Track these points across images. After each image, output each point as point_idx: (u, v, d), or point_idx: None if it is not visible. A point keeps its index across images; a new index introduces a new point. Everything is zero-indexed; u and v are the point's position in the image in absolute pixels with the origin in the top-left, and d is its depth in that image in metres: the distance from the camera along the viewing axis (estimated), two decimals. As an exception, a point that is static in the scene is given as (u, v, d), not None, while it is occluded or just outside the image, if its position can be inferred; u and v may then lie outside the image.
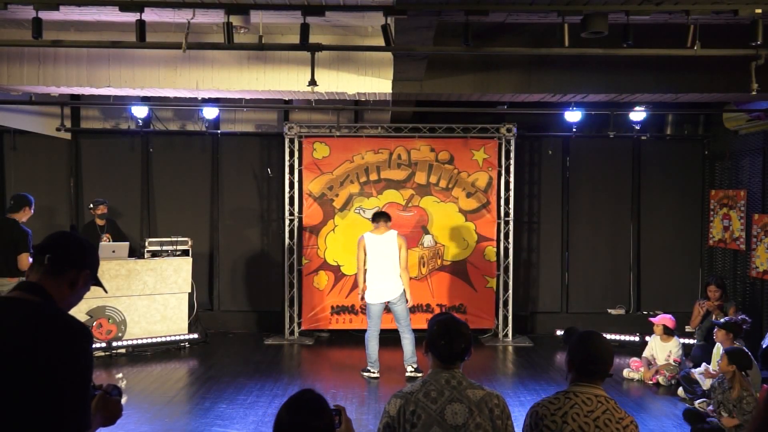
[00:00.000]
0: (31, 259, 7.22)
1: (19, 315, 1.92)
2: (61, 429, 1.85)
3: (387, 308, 7.41)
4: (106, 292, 2.42)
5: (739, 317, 6.73)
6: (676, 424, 6.03)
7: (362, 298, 7.44)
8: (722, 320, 6.77)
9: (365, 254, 7.36)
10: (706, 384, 6.46)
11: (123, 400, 2.22)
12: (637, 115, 9.17)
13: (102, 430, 2.17)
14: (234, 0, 5.15)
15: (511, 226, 9.40)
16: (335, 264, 9.30)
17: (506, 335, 9.39)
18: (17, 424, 1.80)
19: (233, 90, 7.11)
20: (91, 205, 8.88)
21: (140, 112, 9.14)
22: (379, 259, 7.29)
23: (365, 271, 7.40)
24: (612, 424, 2.71)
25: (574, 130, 9.33)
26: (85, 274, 2.15)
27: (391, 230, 7.42)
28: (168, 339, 8.60)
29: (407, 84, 7.06)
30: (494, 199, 9.35)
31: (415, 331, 7.45)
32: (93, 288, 2.26)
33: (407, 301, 7.37)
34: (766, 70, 5.55)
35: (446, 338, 2.78)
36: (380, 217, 7.44)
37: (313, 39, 5.59)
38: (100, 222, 8.85)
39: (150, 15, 5.40)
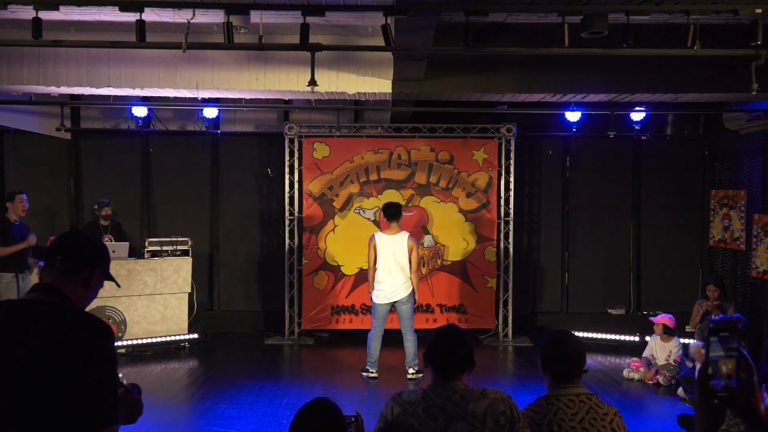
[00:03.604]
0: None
1: (41, 316, 1.97)
2: (92, 422, 1.91)
3: (392, 309, 7.40)
4: (119, 286, 2.46)
5: (733, 316, 6.71)
6: (676, 424, 6.03)
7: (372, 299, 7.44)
8: (715, 318, 6.75)
9: (375, 254, 7.35)
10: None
11: None
12: (637, 115, 9.16)
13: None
14: (234, 0, 5.15)
15: (511, 226, 9.40)
16: (335, 264, 9.30)
17: (506, 335, 9.39)
18: (50, 421, 1.87)
19: (233, 90, 7.11)
20: (96, 206, 8.87)
21: (140, 112, 9.14)
22: (388, 259, 7.26)
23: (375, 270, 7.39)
24: (597, 423, 2.69)
25: (574, 130, 9.33)
26: (97, 272, 2.20)
27: (403, 231, 7.40)
28: (168, 339, 8.60)
29: (407, 84, 7.06)
30: (494, 199, 9.34)
31: (415, 331, 7.45)
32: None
33: (414, 302, 7.38)
34: (766, 70, 5.55)
35: (443, 346, 2.67)
36: (394, 217, 7.35)
37: (313, 39, 5.59)
38: (103, 222, 8.84)
39: (150, 15, 5.41)
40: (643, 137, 9.77)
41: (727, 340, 1.45)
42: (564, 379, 2.76)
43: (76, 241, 2.23)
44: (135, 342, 8.38)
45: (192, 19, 5.38)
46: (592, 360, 8.18)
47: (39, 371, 1.87)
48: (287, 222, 9.39)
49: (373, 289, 7.38)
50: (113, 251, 8.32)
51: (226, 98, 8.27)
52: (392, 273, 7.25)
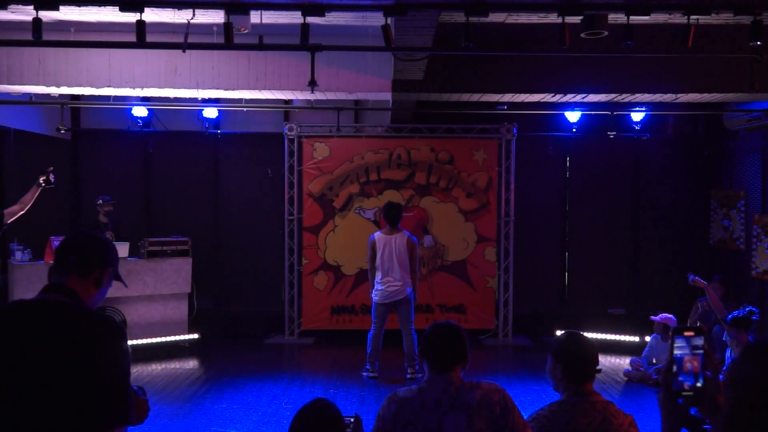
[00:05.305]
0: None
1: (55, 317, 1.99)
2: (105, 422, 1.93)
3: (392, 309, 7.41)
4: (126, 286, 2.47)
5: (746, 309, 6.54)
6: (676, 424, 6.03)
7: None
8: (729, 317, 6.61)
9: (375, 254, 7.35)
10: None
11: None
12: (637, 115, 9.16)
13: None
14: (234, 0, 5.15)
15: (511, 226, 9.40)
16: (335, 264, 9.30)
17: (506, 335, 9.39)
18: (64, 421, 1.88)
19: (233, 90, 7.11)
20: (100, 201, 8.84)
21: (140, 112, 9.13)
22: (388, 259, 7.28)
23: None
24: None
25: (574, 130, 9.32)
26: (109, 271, 2.22)
27: (403, 231, 7.41)
28: (168, 339, 8.59)
29: (407, 84, 7.06)
30: (494, 199, 9.34)
31: (415, 331, 7.45)
32: None
33: (414, 302, 7.38)
34: (766, 70, 5.55)
35: (438, 339, 2.73)
36: (395, 218, 7.35)
37: (313, 39, 5.58)
38: (103, 219, 8.84)
39: (150, 15, 5.41)
40: (643, 137, 9.76)
41: (693, 339, 1.45)
42: (577, 380, 2.67)
43: (89, 240, 2.25)
44: (135, 342, 8.36)
45: (192, 19, 5.37)
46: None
47: (54, 372, 1.88)
48: (287, 222, 9.39)
49: (373, 288, 7.39)
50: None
51: (226, 98, 8.27)
52: (392, 273, 7.26)
